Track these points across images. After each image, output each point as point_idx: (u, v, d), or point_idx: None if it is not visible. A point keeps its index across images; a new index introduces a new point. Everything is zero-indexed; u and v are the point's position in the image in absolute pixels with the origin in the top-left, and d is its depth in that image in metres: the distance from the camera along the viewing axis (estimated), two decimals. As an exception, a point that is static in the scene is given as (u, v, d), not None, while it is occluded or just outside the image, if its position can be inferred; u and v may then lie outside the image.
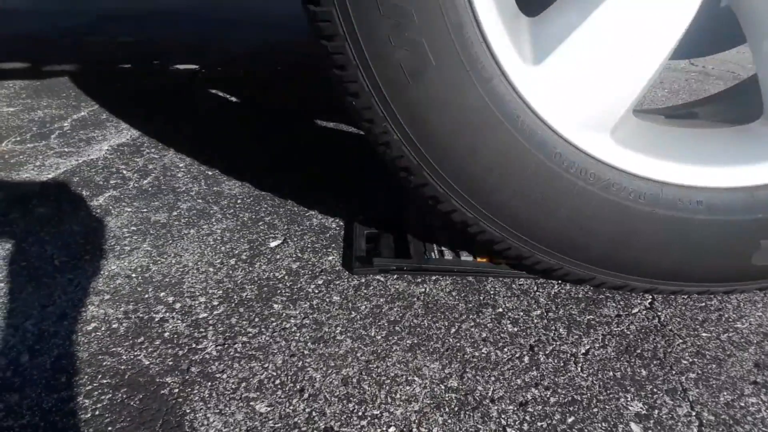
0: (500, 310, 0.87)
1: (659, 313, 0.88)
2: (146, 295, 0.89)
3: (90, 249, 1.00)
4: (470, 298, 0.89)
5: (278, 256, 0.99)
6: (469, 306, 0.87)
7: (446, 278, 0.93)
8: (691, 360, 0.79)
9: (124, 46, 2.41)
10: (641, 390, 0.74)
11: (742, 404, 0.72)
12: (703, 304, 0.91)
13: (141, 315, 0.85)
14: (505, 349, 0.79)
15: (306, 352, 0.78)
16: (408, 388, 0.73)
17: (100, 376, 0.73)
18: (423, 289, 0.90)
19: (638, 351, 0.80)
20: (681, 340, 0.83)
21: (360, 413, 0.69)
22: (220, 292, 0.90)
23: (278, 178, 1.29)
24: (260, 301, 0.88)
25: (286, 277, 0.93)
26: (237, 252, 1.00)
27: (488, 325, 0.84)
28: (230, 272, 0.95)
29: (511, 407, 0.70)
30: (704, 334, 0.84)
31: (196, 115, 1.70)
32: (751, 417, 0.70)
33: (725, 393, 0.74)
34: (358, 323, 0.83)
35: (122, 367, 0.75)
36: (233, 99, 1.85)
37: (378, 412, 0.69)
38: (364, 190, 1.24)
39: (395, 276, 0.93)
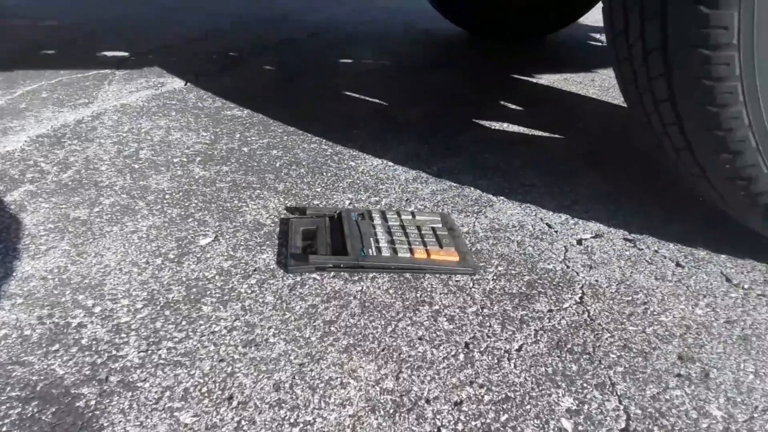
0: (437, 307, 0.86)
1: (589, 308, 0.89)
2: (63, 299, 0.82)
3: (1, 248, 0.92)
4: (407, 296, 0.88)
5: (209, 255, 0.95)
6: (405, 304, 0.86)
7: (383, 275, 0.92)
8: (618, 354, 0.80)
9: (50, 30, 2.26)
10: (572, 385, 0.74)
11: (667, 397, 0.74)
12: (630, 298, 0.93)
13: (57, 320, 0.78)
14: (441, 347, 0.78)
15: (236, 356, 0.74)
16: (343, 391, 0.70)
17: (9, 389, 0.67)
18: (360, 288, 0.89)
19: (569, 346, 0.81)
20: (609, 334, 0.84)
21: (292, 420, 0.66)
22: (145, 294, 0.85)
23: (211, 171, 1.24)
24: (188, 303, 0.83)
25: (216, 277, 0.89)
26: (164, 251, 0.95)
27: (424, 323, 0.83)
28: (156, 272, 0.90)
29: (446, 407, 0.69)
30: (631, 328, 0.86)
31: (124, 104, 1.60)
32: (676, 410, 0.72)
33: (651, 386, 0.75)
34: (293, 324, 0.80)
35: (34, 378, 0.69)
36: (163, 89, 1.76)
37: (311, 418, 0.67)
38: (302, 184, 1.22)
39: (332, 274, 0.91)
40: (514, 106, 1.83)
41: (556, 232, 1.10)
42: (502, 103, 1.85)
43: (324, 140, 1.45)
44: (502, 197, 1.22)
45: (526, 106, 1.85)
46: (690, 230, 1.13)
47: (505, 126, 1.63)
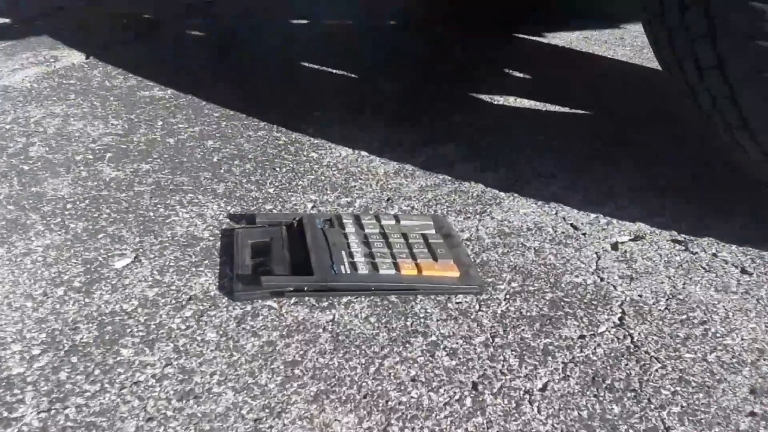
0: (433, 338, 0.86)
1: (631, 331, 0.90)
2: (-69, 347, 0.80)
3: None
4: (394, 325, 0.88)
5: (127, 281, 0.94)
6: (392, 335, 0.86)
7: (362, 299, 0.92)
8: (673, 390, 0.80)
9: None
10: (615, 432, 0.75)
11: (737, 441, 0.75)
12: (684, 316, 0.94)
13: (-77, 376, 0.76)
14: (441, 391, 0.78)
15: (170, 413, 0.73)
16: (314, 453, 0.70)
17: None
18: (331, 316, 0.89)
19: (608, 382, 0.81)
20: (659, 365, 0.84)
21: (248, 494, 0.65)
22: (44, 335, 0.83)
23: (126, 171, 1.23)
24: (102, 346, 0.82)
25: (139, 310, 0.88)
26: (67, 278, 0.94)
27: (418, 359, 0.83)
28: (58, 307, 0.88)
29: (451, 469, 0.69)
30: (687, 356, 0.86)
31: (6, 86, 1.58)
32: (748, 457, 0.73)
33: (717, 430, 0.76)
34: (244, 368, 0.80)
35: None
36: (58, 65, 1.74)
37: (273, 490, 0.66)
38: (248, 184, 1.21)
39: (293, 300, 0.91)
40: (520, 75, 1.85)
41: (584, 235, 1.11)
42: (505, 70, 1.87)
43: (275, 126, 1.44)
44: (512, 193, 1.23)
45: (537, 74, 1.86)
46: (756, 228, 1.14)
47: (511, 101, 1.64)
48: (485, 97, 1.65)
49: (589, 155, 1.39)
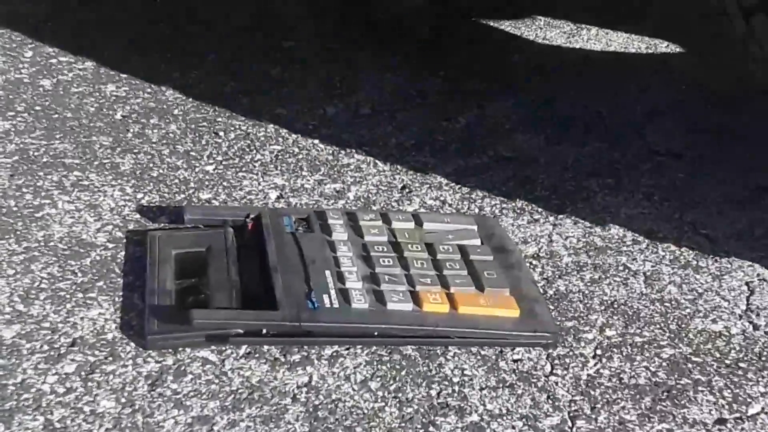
0: (474, 417, 0.85)
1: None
2: None
3: None
4: (410, 395, 0.87)
5: (-33, 314, 0.91)
6: (406, 413, 0.85)
7: (357, 351, 0.93)
8: None
9: None
10: None
11: None
12: None
13: None
14: None
15: None
16: None
17: None
18: (306, 378, 0.88)
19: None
20: None
21: None
22: None
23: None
24: None
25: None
26: None
27: (450, 454, 0.80)
28: None
29: None
30: None
31: None
32: None
33: None
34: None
35: None
36: None
37: None
38: (172, 157, 1.20)
39: (243, 350, 0.90)
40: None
41: (726, 253, 1.11)
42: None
43: (220, 62, 1.44)
44: (608, 179, 1.20)
45: None
46: None
47: (584, 32, 1.62)
48: (558, 22, 1.64)
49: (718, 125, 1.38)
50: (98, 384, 0.85)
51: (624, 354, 0.93)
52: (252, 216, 1.05)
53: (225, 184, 1.14)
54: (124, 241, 1.04)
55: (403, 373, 0.89)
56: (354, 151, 1.23)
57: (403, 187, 1.16)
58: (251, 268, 0.98)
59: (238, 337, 0.90)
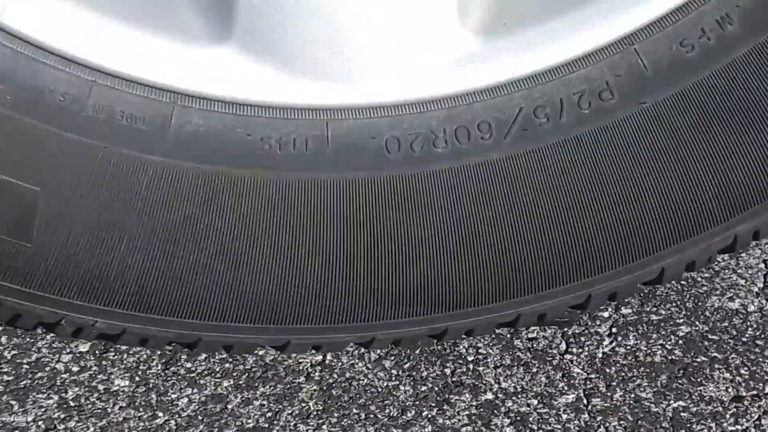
0: (489, 395, 0.86)
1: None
2: None
3: None
4: (424, 374, 0.88)
5: None
6: (421, 391, 0.86)
7: None
8: None
9: None
10: None
11: None
12: None
13: None
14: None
15: None
16: None
17: None
18: (319, 357, 0.89)
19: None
20: None
21: None
22: None
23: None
24: None
25: None
26: None
27: (464, 433, 0.78)
28: None
29: None
30: None
31: None
32: None
33: None
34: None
35: None
36: None
37: None
38: None
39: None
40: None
41: None
42: None
43: None
44: None
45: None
46: None
47: None
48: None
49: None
50: (112, 363, 0.87)
51: (640, 332, 0.92)
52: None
53: None
54: None
55: (417, 351, 0.89)
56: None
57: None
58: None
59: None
